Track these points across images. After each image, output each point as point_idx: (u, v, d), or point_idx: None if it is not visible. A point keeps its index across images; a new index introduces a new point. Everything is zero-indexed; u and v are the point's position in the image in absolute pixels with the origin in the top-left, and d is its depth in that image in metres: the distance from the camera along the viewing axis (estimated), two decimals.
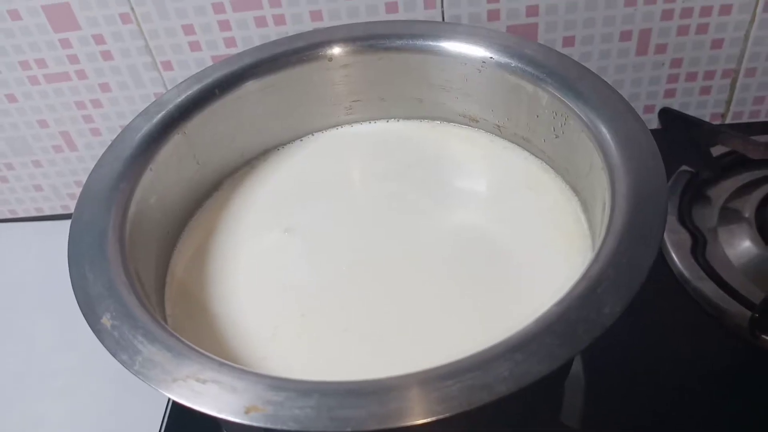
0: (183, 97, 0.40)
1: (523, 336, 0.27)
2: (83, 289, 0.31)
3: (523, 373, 0.25)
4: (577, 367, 0.43)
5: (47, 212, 0.67)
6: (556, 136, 0.39)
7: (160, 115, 0.39)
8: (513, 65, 0.39)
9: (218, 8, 0.53)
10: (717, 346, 0.44)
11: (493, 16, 0.54)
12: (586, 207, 0.37)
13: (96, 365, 0.49)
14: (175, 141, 0.39)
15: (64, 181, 0.65)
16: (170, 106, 0.39)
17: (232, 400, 0.26)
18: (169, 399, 0.42)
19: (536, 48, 0.40)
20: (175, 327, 0.34)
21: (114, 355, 0.28)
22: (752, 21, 0.54)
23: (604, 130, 0.35)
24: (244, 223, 0.40)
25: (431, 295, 0.35)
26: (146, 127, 0.38)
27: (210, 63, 0.55)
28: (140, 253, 0.34)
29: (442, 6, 0.53)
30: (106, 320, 0.29)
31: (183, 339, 0.29)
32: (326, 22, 0.54)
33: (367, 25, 0.45)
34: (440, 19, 0.54)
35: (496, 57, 0.40)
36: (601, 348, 0.41)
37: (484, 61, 0.40)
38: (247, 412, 0.26)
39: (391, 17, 0.53)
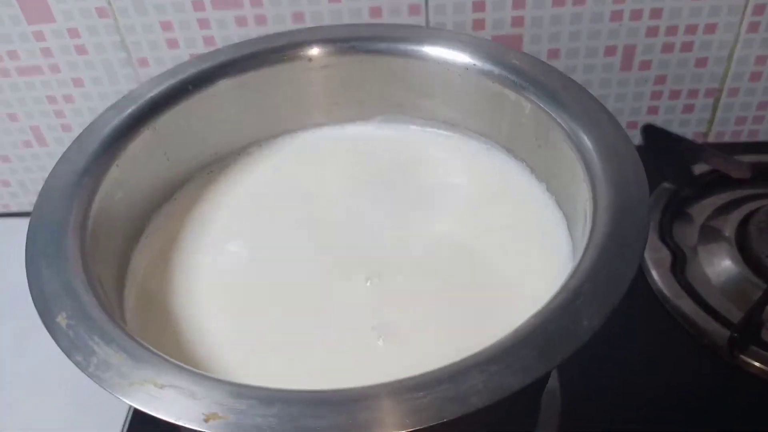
0: (155, 92, 0.38)
1: (499, 348, 0.26)
2: (39, 287, 0.29)
3: (497, 386, 0.24)
4: (553, 382, 0.42)
5: (14, 209, 0.65)
6: (539, 146, 0.38)
7: (129, 110, 0.37)
8: (496, 73, 0.39)
9: (198, 5, 0.52)
10: (695, 364, 0.44)
11: (479, 25, 0.53)
12: (568, 217, 0.37)
13: (58, 367, 0.48)
14: (145, 137, 0.37)
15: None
16: (141, 101, 0.38)
17: (192, 406, 0.25)
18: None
19: (520, 56, 0.39)
20: (134, 329, 0.33)
21: (68, 355, 0.27)
22: (736, 41, 0.54)
23: (586, 140, 0.34)
24: (211, 225, 0.38)
25: (406, 304, 0.34)
26: (115, 121, 0.37)
27: None
28: (102, 250, 0.33)
29: (427, 13, 0.53)
30: (62, 319, 0.28)
31: (141, 341, 0.27)
32: (308, 24, 0.53)
33: (349, 27, 0.45)
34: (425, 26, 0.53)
35: (480, 64, 0.39)
36: (578, 364, 0.41)
37: (467, 68, 0.40)
38: (207, 419, 0.24)
39: (375, 22, 0.53)
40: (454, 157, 0.42)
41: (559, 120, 0.36)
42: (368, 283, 0.35)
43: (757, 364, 0.42)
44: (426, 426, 0.24)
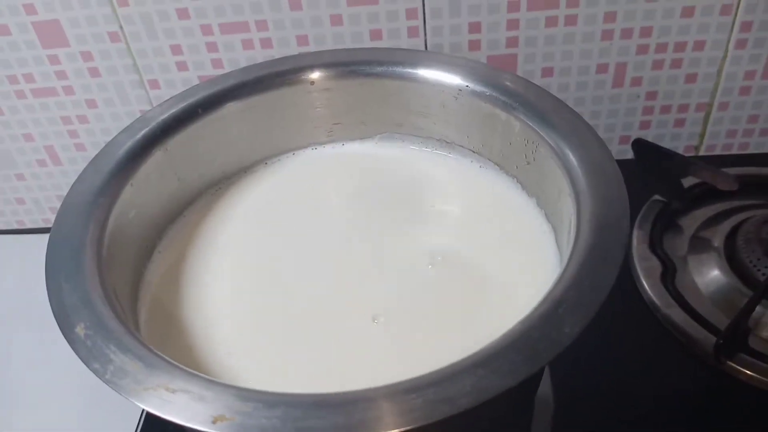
0: (166, 114, 0.41)
1: (487, 352, 0.27)
2: (59, 300, 0.31)
3: (484, 388, 0.26)
4: (546, 388, 0.43)
5: (28, 225, 0.68)
6: (528, 163, 0.40)
7: (142, 132, 0.40)
8: (488, 94, 0.41)
9: (206, 30, 0.54)
10: (684, 371, 0.45)
11: (474, 46, 0.55)
12: (555, 230, 0.38)
13: (73, 377, 0.50)
14: (157, 157, 0.40)
15: (46, 195, 0.65)
16: (153, 123, 0.40)
17: (201, 409, 0.27)
18: (142, 410, 0.43)
19: (510, 78, 0.41)
20: (148, 337, 0.35)
21: (86, 363, 0.29)
22: (725, 57, 0.56)
23: (572, 157, 0.36)
24: (220, 240, 0.41)
25: (403, 313, 0.36)
26: (129, 143, 0.39)
27: (197, 83, 0.56)
28: (117, 265, 0.35)
29: (425, 35, 0.55)
30: (80, 330, 0.30)
31: (154, 349, 0.29)
32: (312, 47, 0.55)
33: (349, 51, 0.47)
34: (423, 48, 0.55)
35: (472, 86, 0.41)
36: (570, 370, 0.43)
37: (460, 89, 0.42)
38: (214, 421, 0.26)
39: (376, 44, 0.55)
40: (449, 173, 0.44)
41: (546, 138, 0.38)
42: (368, 290, 0.37)
43: (745, 371, 0.43)
44: (418, 426, 0.26)
